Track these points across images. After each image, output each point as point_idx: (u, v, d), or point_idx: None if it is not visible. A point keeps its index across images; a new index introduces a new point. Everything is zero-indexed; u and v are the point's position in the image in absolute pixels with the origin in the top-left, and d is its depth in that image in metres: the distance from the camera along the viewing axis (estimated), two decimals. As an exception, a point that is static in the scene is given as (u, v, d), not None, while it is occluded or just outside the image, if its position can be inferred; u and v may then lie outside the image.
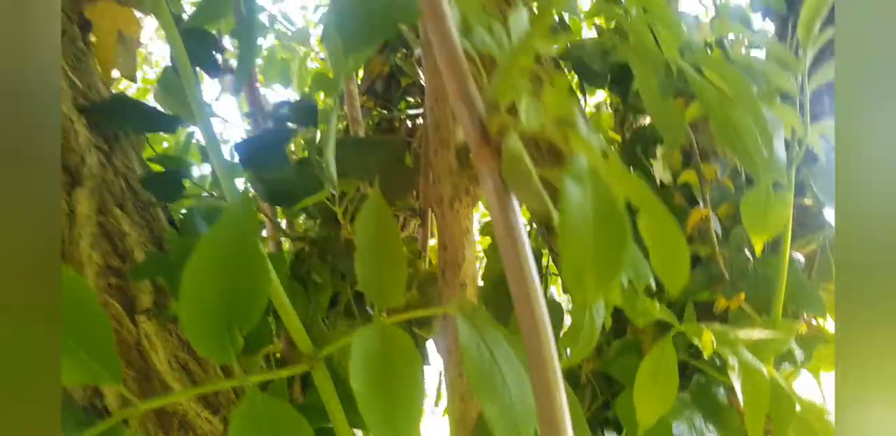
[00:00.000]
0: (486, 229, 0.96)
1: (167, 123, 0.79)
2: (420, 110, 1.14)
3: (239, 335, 0.46)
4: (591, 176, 0.33)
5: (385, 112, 1.24)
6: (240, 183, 0.86)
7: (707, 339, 0.64)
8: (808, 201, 0.88)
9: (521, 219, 0.37)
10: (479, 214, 1.33)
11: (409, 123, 1.19)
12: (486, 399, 0.44)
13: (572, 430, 0.33)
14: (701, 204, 0.88)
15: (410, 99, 1.20)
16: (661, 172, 0.93)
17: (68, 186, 0.70)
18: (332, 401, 0.50)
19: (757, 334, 0.70)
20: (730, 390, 0.80)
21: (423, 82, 1.10)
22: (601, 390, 0.91)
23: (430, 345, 0.96)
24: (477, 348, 0.46)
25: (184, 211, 0.80)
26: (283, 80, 2.06)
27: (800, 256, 0.84)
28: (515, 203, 0.37)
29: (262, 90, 1.48)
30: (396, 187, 0.85)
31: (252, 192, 0.84)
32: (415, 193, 1.08)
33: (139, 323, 0.72)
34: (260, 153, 0.81)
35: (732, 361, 0.63)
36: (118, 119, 0.74)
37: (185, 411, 0.71)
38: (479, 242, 1.24)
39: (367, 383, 0.44)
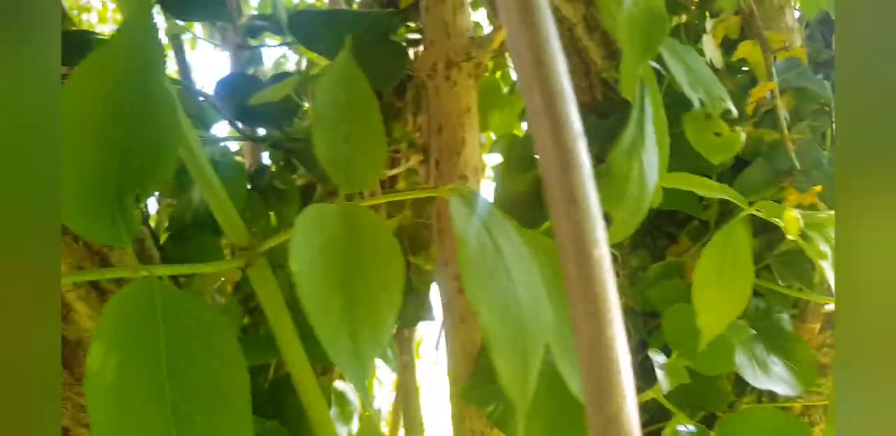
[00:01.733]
0: (496, 145, 0.77)
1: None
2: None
3: (133, 207, 0.33)
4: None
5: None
6: None
7: (791, 217, 0.47)
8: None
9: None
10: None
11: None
12: (482, 301, 0.32)
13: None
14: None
15: (411, 24, 0.80)
16: (712, 49, 0.72)
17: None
18: (276, 309, 0.38)
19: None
20: (794, 317, 0.70)
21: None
22: (636, 327, 0.75)
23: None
24: (476, 237, 0.34)
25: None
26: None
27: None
28: None
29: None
30: (382, 69, 0.64)
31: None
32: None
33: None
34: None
35: (823, 247, 0.47)
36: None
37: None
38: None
39: (315, 266, 0.31)
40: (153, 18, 0.33)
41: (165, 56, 0.34)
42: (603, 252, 0.24)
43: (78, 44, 0.56)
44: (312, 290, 0.30)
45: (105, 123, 0.32)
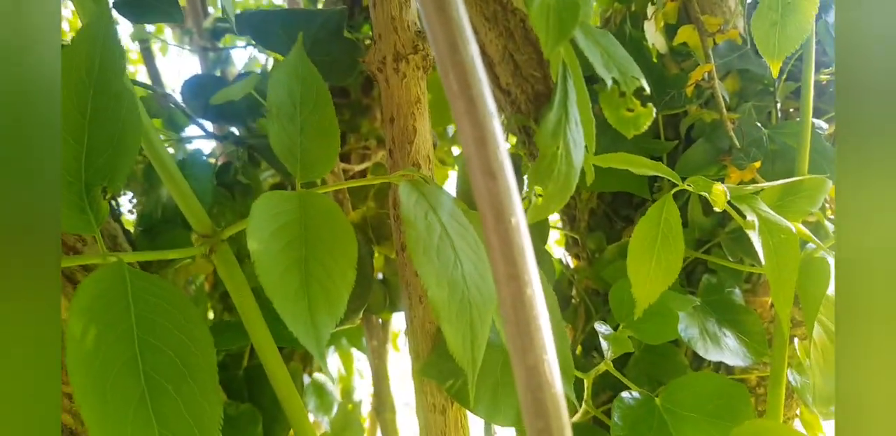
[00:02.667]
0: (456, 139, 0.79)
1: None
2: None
3: (101, 199, 0.36)
4: None
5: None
6: None
7: (718, 191, 0.49)
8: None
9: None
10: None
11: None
12: (430, 276, 0.35)
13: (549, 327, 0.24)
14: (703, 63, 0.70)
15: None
16: (653, 33, 0.76)
17: None
18: (240, 292, 0.41)
19: (780, 184, 0.57)
20: (747, 291, 0.73)
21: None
22: (596, 307, 0.78)
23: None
24: (424, 217, 0.37)
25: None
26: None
27: (822, 123, 0.71)
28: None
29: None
30: (336, 65, 0.66)
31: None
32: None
33: None
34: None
35: (751, 217, 0.49)
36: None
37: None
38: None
39: (272, 245, 0.34)
40: (112, 21, 0.35)
41: (126, 57, 0.37)
42: (520, 219, 0.26)
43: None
44: (270, 267, 0.33)
45: (72, 121, 0.34)
